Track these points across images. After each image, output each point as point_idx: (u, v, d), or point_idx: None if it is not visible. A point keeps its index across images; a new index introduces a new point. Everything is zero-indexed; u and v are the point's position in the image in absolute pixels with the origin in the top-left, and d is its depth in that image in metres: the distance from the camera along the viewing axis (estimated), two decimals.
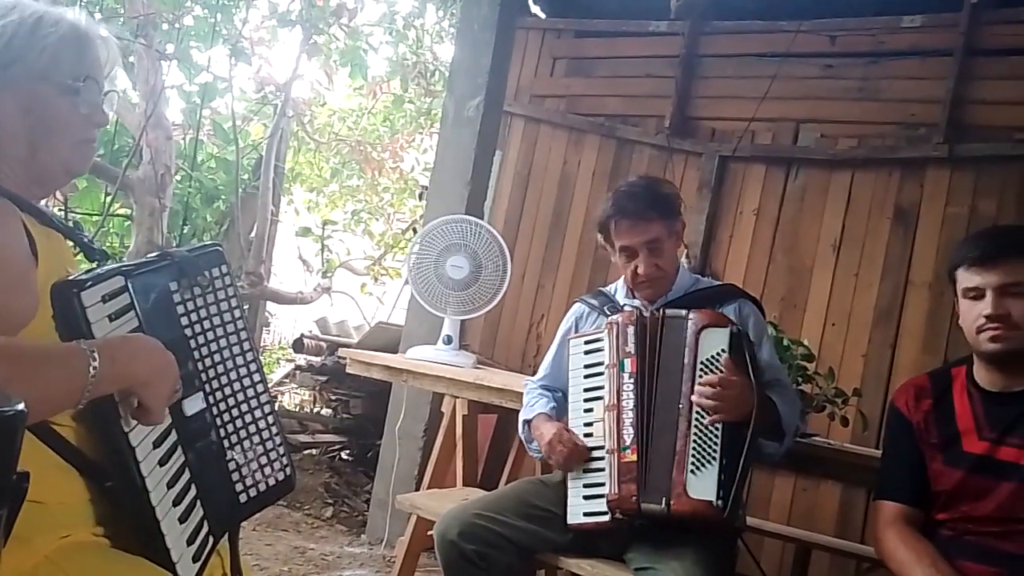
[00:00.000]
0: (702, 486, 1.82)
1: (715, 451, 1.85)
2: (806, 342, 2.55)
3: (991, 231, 2.27)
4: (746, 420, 1.83)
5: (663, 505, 1.84)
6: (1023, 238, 1.77)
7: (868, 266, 3.46)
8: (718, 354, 1.90)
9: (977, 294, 1.72)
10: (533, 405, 2.24)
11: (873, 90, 3.57)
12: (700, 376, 1.89)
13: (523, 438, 2.27)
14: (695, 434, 1.86)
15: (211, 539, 1.28)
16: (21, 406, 0.77)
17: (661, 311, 2.00)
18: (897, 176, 3.46)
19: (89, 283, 1.13)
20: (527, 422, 2.23)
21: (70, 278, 1.15)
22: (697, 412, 1.87)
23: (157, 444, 1.20)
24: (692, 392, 1.88)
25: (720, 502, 1.80)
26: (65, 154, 1.22)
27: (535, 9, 4.47)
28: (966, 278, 1.73)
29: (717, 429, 1.85)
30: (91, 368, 1.04)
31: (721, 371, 1.86)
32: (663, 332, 1.97)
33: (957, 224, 3.29)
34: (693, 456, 1.85)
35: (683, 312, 1.97)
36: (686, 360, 1.91)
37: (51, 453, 1.12)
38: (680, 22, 3.92)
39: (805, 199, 3.64)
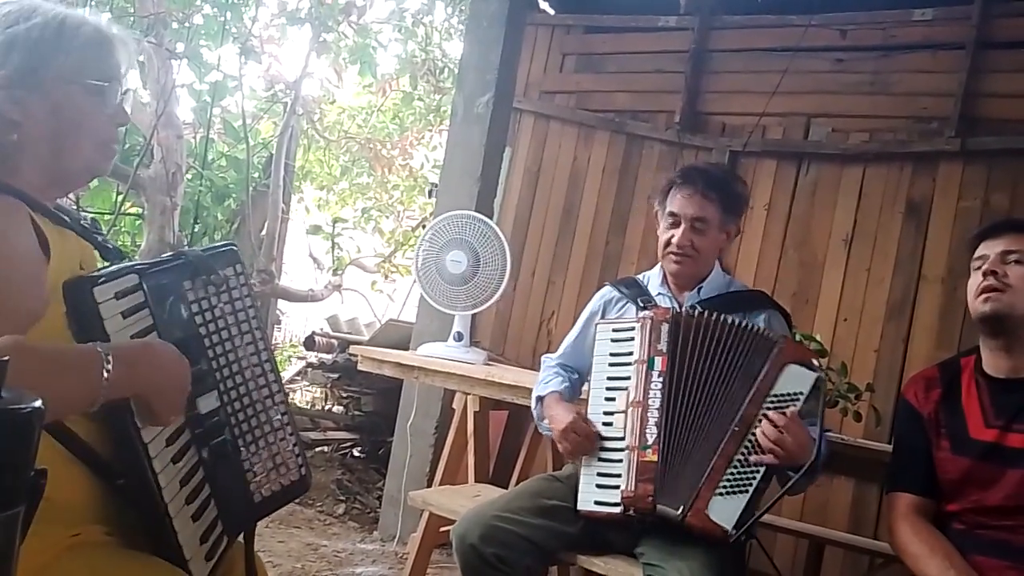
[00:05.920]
0: (725, 511, 1.79)
1: (751, 483, 1.82)
2: (818, 337, 2.54)
3: (1006, 217, 2.32)
4: (794, 468, 1.81)
5: (679, 512, 1.82)
6: None
7: (880, 261, 3.44)
8: (794, 394, 1.85)
9: (982, 262, 1.77)
10: (548, 382, 2.22)
11: (884, 84, 3.54)
12: (767, 406, 1.85)
13: (535, 414, 2.25)
14: (739, 459, 1.83)
15: (225, 538, 1.28)
16: (38, 403, 0.75)
17: (718, 316, 1.95)
18: (909, 170, 3.44)
19: (103, 279, 1.13)
20: (540, 398, 2.21)
21: (84, 274, 1.15)
22: (750, 439, 1.84)
23: (170, 441, 1.19)
24: (756, 418, 1.84)
25: (734, 531, 1.78)
26: (88, 155, 1.23)
27: (544, 5, 4.45)
28: (976, 252, 1.80)
29: (763, 464, 1.83)
30: (105, 373, 1.04)
31: (785, 414, 1.82)
32: (717, 335, 1.92)
33: (970, 218, 3.26)
34: (728, 479, 1.82)
35: (768, 331, 1.94)
36: (758, 385, 1.87)
37: (59, 448, 1.11)
38: (690, 17, 3.91)
39: (816, 194, 3.62)
